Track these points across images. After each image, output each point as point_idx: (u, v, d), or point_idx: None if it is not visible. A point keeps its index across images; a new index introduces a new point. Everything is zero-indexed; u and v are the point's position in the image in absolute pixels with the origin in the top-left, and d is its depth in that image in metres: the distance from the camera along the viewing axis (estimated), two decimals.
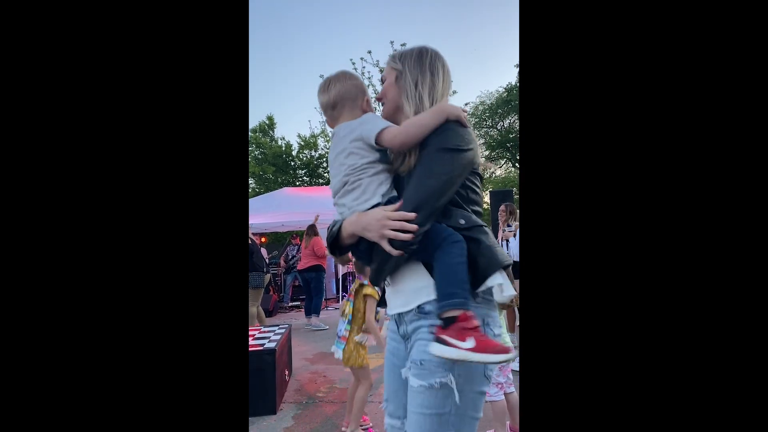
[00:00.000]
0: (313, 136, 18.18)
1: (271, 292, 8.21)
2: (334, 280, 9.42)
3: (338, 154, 1.15)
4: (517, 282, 2.71)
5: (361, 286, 2.69)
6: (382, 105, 1.22)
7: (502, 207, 4.92)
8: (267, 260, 7.15)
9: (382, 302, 1.24)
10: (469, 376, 1.02)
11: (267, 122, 20.15)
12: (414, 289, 1.09)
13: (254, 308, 5.36)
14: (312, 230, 6.69)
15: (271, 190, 14.22)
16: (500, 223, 4.90)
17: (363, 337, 2.68)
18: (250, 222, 7.39)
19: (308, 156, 18.38)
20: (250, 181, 17.80)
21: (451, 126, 1.06)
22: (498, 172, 21.33)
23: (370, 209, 1.07)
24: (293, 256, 8.33)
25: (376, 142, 1.09)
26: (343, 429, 2.74)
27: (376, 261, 1.09)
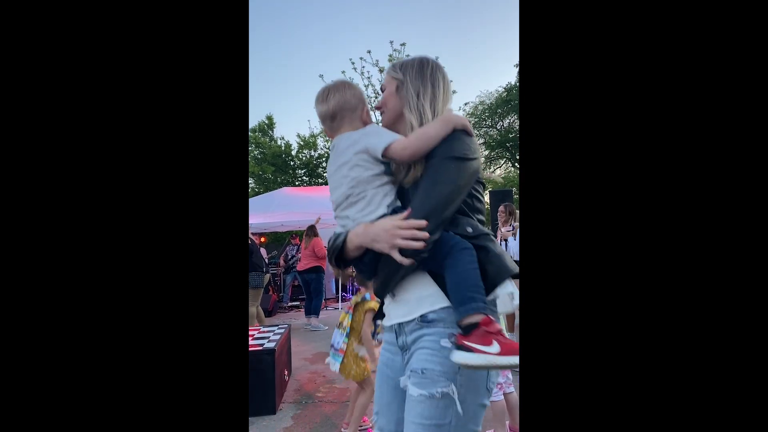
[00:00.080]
0: (313, 135, 18.17)
1: (271, 292, 8.22)
2: (333, 280, 9.43)
3: (340, 167, 1.11)
4: (516, 282, 2.70)
5: (363, 300, 2.66)
6: (381, 114, 1.20)
7: (502, 207, 4.93)
8: (266, 260, 7.15)
9: (379, 314, 1.21)
10: (471, 386, 0.99)
11: (266, 122, 20.12)
12: (418, 298, 1.06)
13: (254, 308, 5.36)
14: (312, 231, 6.68)
15: (271, 190, 14.22)
16: (500, 224, 4.90)
17: (364, 350, 2.65)
18: (250, 222, 7.39)
19: (308, 156, 18.37)
20: (249, 181, 17.79)
21: (457, 135, 1.05)
22: (498, 172, 21.32)
23: (376, 220, 1.05)
24: (293, 256, 8.33)
25: (383, 155, 1.07)
26: (342, 429, 2.74)
27: (383, 273, 1.07)
